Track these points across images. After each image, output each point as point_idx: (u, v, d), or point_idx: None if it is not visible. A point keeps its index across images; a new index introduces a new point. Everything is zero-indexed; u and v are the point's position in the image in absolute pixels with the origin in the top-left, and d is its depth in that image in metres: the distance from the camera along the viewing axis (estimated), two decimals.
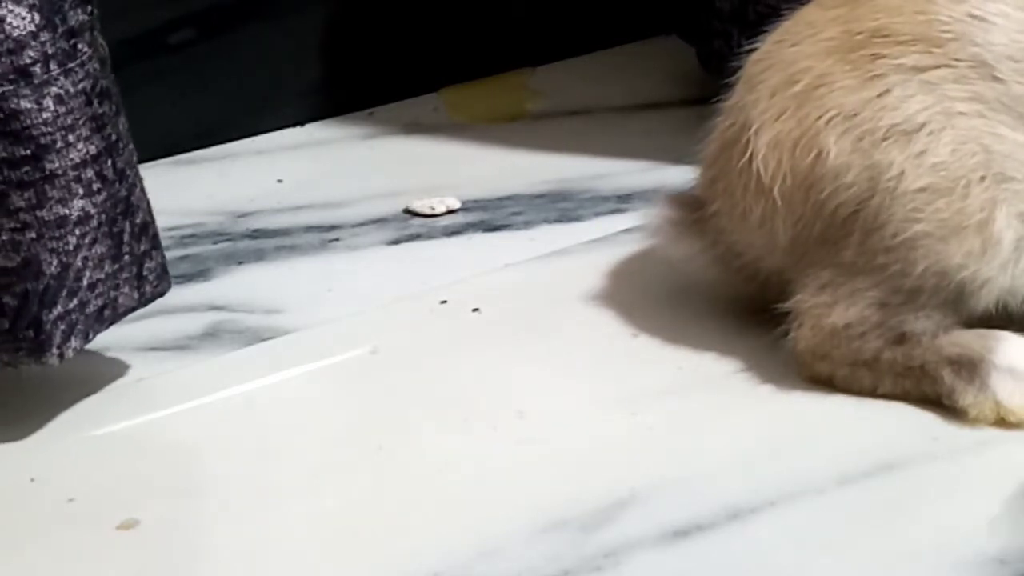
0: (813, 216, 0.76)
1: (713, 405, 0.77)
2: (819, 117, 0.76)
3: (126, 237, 0.76)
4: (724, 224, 0.80)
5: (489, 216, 0.97)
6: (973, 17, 0.75)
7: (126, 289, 0.77)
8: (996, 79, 0.74)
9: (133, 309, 0.78)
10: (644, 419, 0.76)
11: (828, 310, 0.77)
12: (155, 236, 0.79)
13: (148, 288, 0.78)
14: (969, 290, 0.75)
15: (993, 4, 0.75)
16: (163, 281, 0.79)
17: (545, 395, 0.78)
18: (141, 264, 0.78)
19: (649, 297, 0.86)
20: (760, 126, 0.77)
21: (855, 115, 0.75)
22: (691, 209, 0.83)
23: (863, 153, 0.75)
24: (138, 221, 0.77)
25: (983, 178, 0.74)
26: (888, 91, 0.75)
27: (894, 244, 0.75)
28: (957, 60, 0.75)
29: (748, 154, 0.78)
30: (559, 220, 0.96)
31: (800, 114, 0.76)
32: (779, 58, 0.79)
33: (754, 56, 0.81)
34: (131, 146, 0.77)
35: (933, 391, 0.75)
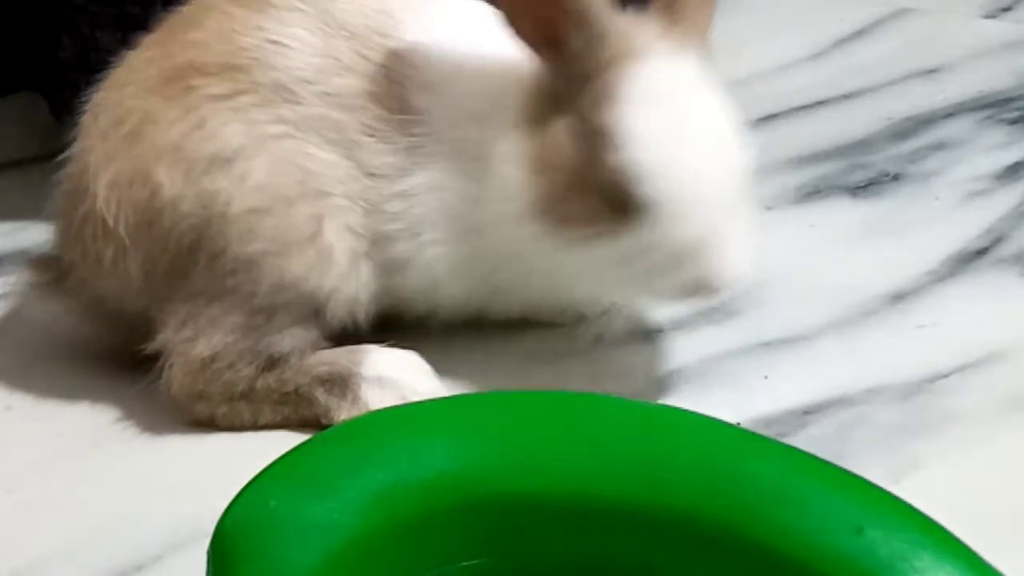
0: (160, 250, 0.76)
1: (94, 468, 0.75)
2: (149, 153, 0.76)
3: None
4: (82, 274, 0.79)
5: None
6: (271, 42, 0.77)
7: None
8: (296, 102, 0.77)
9: None
10: (23, 496, 0.73)
11: (192, 344, 0.76)
12: None
13: None
14: (318, 302, 0.77)
15: (289, 28, 0.77)
16: None
17: None
18: None
19: (20, 367, 0.83)
20: (97, 169, 0.78)
21: (180, 148, 0.76)
22: (52, 268, 0.81)
23: (192, 183, 0.76)
24: None
25: (303, 195, 0.76)
26: (204, 121, 0.76)
27: (237, 266, 0.76)
28: (260, 85, 0.77)
29: (90, 199, 0.77)
30: None
31: (132, 153, 0.77)
32: (108, 102, 0.79)
33: (89, 103, 0.80)
34: None
35: (311, 413, 0.76)
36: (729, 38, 1.23)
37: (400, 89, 0.77)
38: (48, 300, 0.81)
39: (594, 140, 0.73)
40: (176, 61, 0.78)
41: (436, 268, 0.78)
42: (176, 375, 0.77)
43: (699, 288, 0.73)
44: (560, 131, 0.74)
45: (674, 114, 0.73)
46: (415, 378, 0.77)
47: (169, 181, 0.76)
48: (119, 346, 0.80)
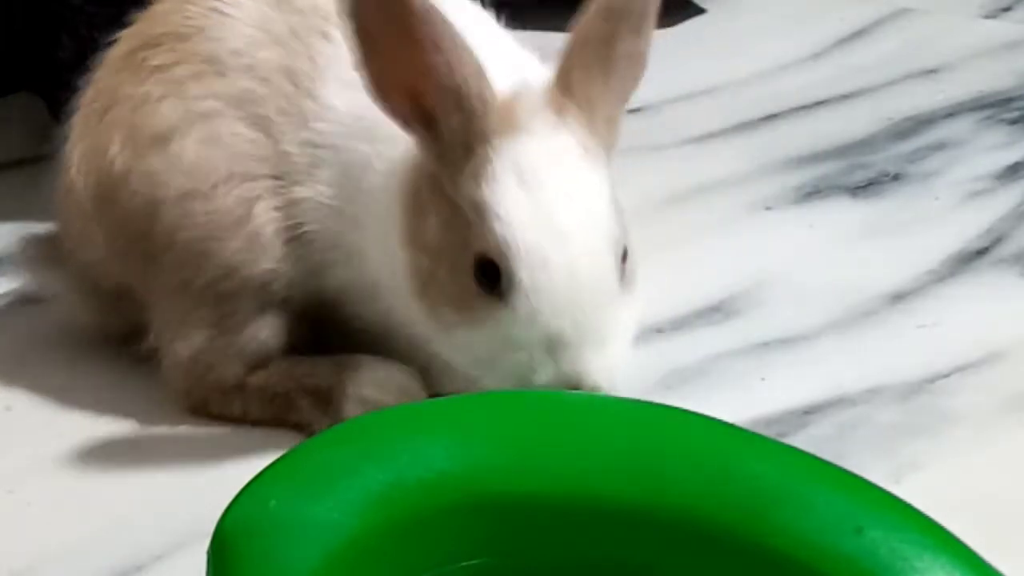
0: (118, 224, 0.77)
1: (95, 468, 0.75)
2: (110, 128, 0.77)
3: None
4: (67, 246, 0.81)
5: None
6: (214, 11, 0.76)
7: None
8: (225, 75, 0.75)
9: None
10: (23, 496, 0.73)
11: (175, 345, 0.77)
12: None
13: None
14: (263, 286, 0.75)
15: None
16: None
17: None
18: None
19: (20, 366, 0.83)
20: (73, 144, 0.79)
21: (130, 123, 0.76)
22: (51, 244, 0.83)
23: (139, 160, 0.76)
24: None
25: (232, 177, 0.75)
26: (148, 95, 0.76)
27: (183, 256, 0.75)
28: (196, 56, 0.76)
29: (67, 171, 0.79)
30: None
31: (99, 128, 0.78)
32: (91, 81, 0.80)
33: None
34: None
35: (295, 419, 0.76)
36: (729, 38, 1.23)
37: (314, 70, 0.75)
38: (47, 273, 0.83)
39: (465, 218, 0.68)
40: (141, 36, 0.78)
41: (335, 283, 0.76)
42: (169, 375, 0.78)
43: (568, 386, 0.66)
44: (433, 208, 0.69)
45: (544, 194, 0.67)
46: (398, 400, 0.75)
47: (122, 157, 0.76)
48: (115, 328, 0.81)
